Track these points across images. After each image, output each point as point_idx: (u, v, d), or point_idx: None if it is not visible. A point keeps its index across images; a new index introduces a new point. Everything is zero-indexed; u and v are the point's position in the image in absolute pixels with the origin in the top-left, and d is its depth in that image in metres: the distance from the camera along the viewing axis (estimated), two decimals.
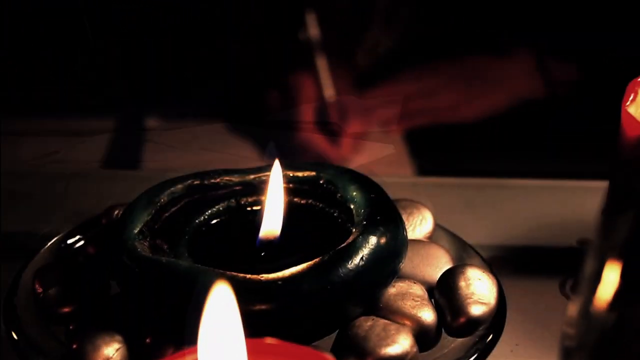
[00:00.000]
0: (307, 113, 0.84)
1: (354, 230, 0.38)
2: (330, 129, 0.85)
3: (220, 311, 0.26)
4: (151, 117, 0.92)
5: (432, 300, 0.38)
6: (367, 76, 1.00)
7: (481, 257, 0.42)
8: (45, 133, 0.84)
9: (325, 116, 0.85)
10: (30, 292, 0.39)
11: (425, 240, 0.42)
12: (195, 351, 0.26)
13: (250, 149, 0.87)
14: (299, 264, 0.35)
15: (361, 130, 0.89)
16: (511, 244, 0.49)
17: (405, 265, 0.39)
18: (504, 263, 0.47)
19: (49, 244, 0.43)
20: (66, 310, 0.38)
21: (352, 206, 0.40)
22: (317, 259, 0.35)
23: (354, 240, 0.36)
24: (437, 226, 0.44)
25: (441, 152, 0.92)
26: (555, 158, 0.86)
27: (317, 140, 0.83)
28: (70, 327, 0.37)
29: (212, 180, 0.43)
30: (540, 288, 0.45)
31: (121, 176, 0.64)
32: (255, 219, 0.41)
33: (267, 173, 0.42)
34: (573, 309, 0.30)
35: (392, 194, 0.42)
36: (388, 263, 0.37)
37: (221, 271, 0.35)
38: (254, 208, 0.43)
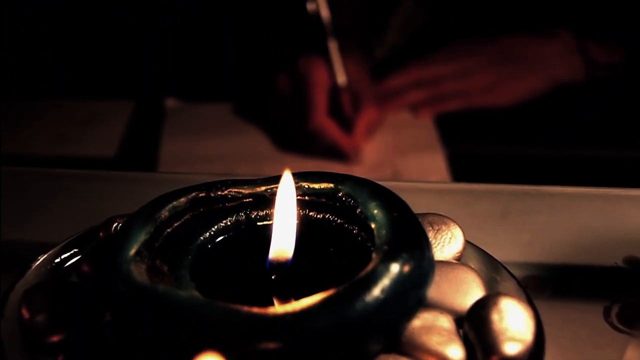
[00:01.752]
0: (320, 100, 0.80)
1: (374, 255, 0.34)
2: (344, 118, 0.81)
3: None
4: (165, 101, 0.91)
5: (461, 331, 0.34)
6: (396, 57, 0.95)
7: (517, 280, 0.38)
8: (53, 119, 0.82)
9: (340, 104, 0.81)
10: (17, 316, 0.35)
11: (454, 261, 0.38)
12: None
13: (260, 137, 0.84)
14: (312, 294, 0.31)
15: (384, 116, 0.85)
16: (548, 262, 0.45)
17: (432, 291, 0.35)
18: (541, 284, 0.43)
19: (40, 259, 0.39)
20: (55, 339, 0.34)
21: (372, 225, 0.36)
22: (331, 291, 0.31)
23: (373, 269, 0.32)
24: (467, 243, 0.40)
25: (474, 138, 0.88)
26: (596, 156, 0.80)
27: (331, 129, 0.79)
28: None
29: (219, 192, 0.39)
30: (582, 315, 0.41)
31: (135, 178, 0.60)
32: (267, 235, 0.37)
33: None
34: (634, 355, 0.26)
35: (418, 203, 0.38)
36: (412, 294, 0.33)
37: (223, 304, 0.31)
38: (266, 223, 0.39)
